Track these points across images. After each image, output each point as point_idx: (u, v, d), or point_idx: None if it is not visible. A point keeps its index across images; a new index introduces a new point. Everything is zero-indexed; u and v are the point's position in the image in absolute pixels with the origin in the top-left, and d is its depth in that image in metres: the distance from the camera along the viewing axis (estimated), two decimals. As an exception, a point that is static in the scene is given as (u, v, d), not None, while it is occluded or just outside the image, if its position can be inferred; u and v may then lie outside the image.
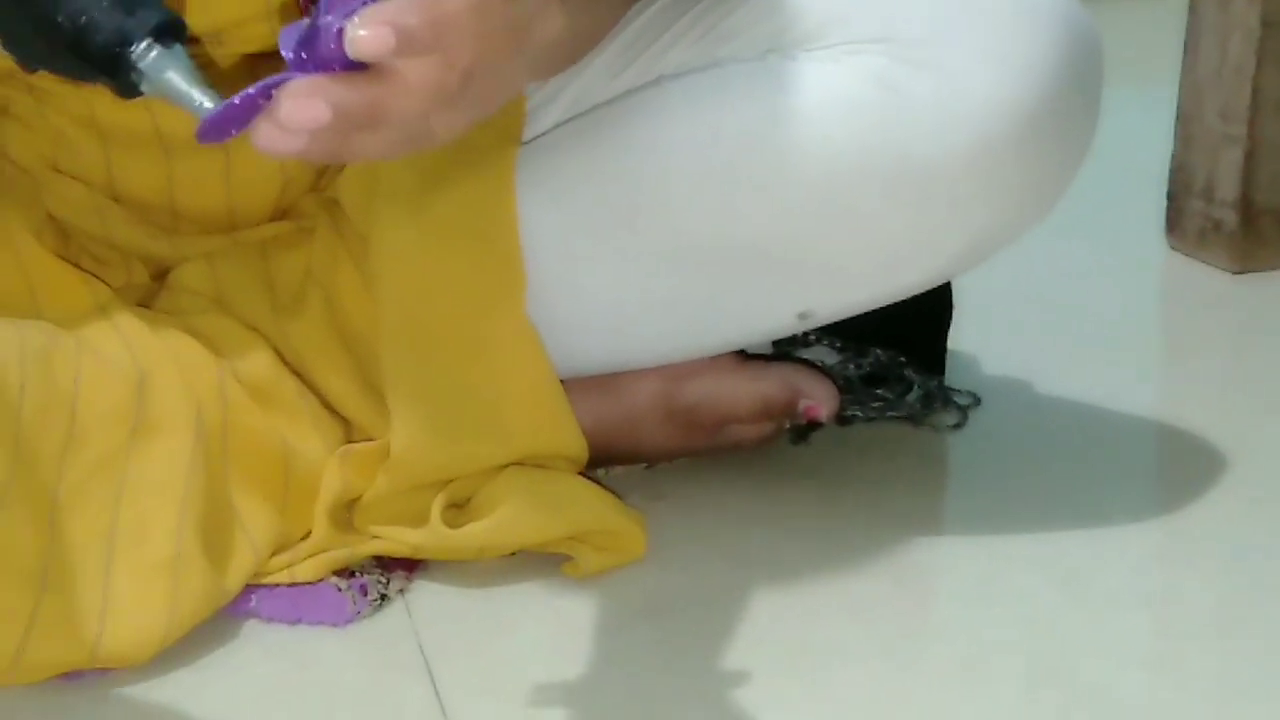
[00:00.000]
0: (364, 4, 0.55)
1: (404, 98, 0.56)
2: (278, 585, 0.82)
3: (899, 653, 0.79)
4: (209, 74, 0.81)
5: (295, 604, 0.81)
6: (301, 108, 0.54)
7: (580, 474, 0.88)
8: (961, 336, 1.06)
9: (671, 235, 0.84)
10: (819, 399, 0.93)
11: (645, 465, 0.96)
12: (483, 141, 0.84)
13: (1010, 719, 0.73)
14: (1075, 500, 0.93)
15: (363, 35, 0.54)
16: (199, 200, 0.87)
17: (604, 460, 0.93)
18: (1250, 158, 1.27)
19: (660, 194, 0.83)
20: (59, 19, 0.61)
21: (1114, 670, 0.76)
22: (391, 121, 0.57)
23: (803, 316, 0.86)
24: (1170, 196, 1.34)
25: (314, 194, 0.91)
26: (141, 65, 0.59)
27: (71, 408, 0.77)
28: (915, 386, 1.03)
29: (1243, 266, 1.29)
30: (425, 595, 0.84)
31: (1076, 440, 1.01)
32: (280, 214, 0.90)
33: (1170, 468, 1.00)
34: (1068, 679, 0.75)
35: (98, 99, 0.83)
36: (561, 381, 0.87)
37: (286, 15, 0.81)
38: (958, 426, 1.02)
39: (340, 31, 0.54)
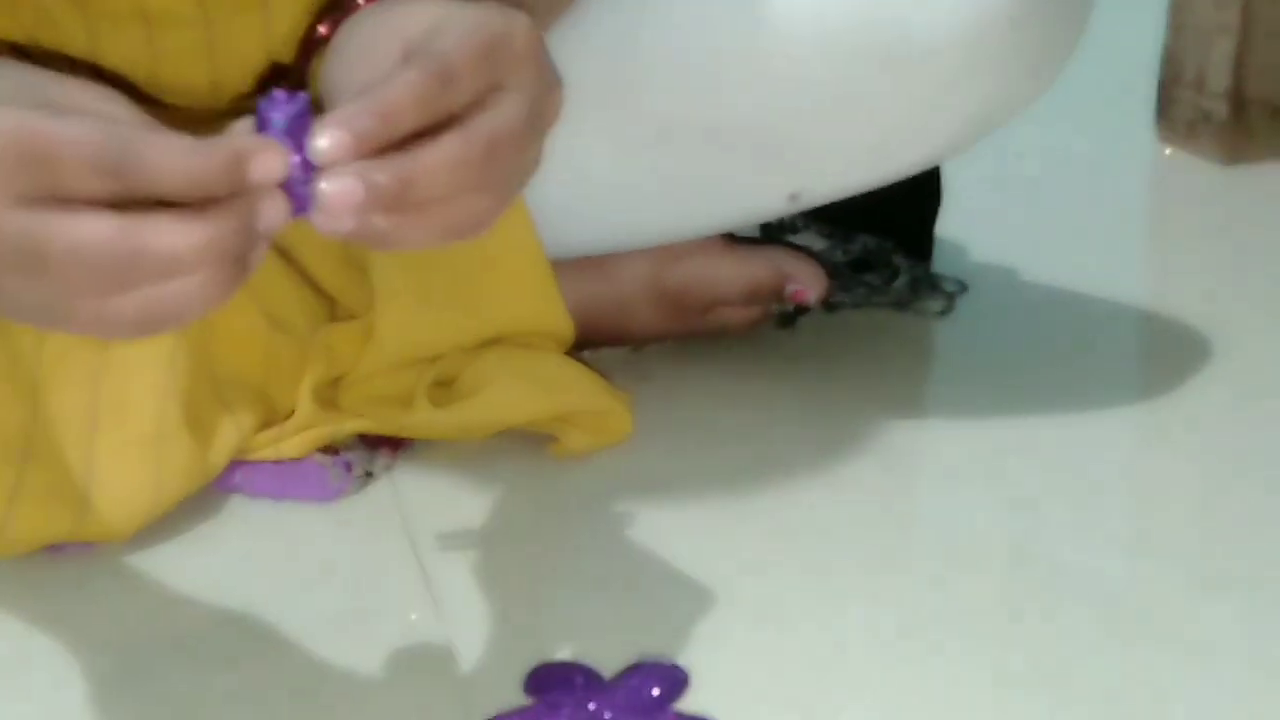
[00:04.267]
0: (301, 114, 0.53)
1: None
2: (262, 462, 0.81)
3: (883, 534, 0.79)
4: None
5: (280, 480, 0.81)
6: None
7: (566, 355, 0.88)
8: (949, 223, 1.06)
9: (661, 114, 0.83)
10: (807, 283, 0.92)
11: (632, 347, 0.96)
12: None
13: (992, 600, 0.73)
14: (1061, 386, 0.93)
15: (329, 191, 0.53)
16: (183, 75, 0.86)
17: (590, 341, 0.92)
18: (1242, 48, 1.26)
19: (650, 72, 0.82)
20: None
21: (1096, 553, 0.77)
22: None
23: (793, 198, 0.85)
24: (1161, 86, 1.33)
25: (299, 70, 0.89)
26: None
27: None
28: (903, 273, 1.02)
29: (1232, 158, 1.28)
30: (410, 474, 0.83)
31: (1063, 327, 1.01)
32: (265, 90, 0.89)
33: (1156, 356, 1.00)
34: (1050, 562, 0.76)
35: (77, -31, 0.82)
36: (550, 262, 0.86)
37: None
38: (944, 313, 1.02)
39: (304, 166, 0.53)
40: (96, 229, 0.51)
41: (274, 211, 0.52)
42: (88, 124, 0.52)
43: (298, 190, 0.53)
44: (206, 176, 0.51)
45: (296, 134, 0.53)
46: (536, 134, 0.59)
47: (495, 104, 0.57)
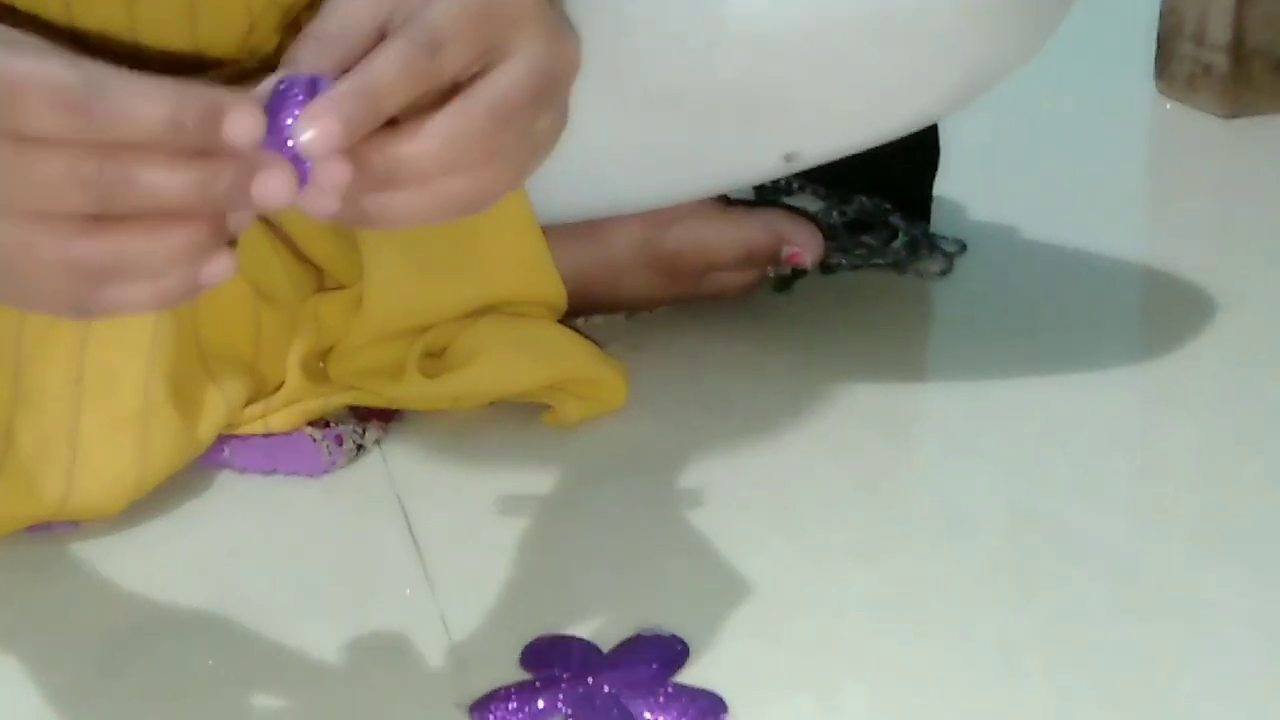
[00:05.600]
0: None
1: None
2: (251, 436, 0.80)
3: (882, 499, 0.78)
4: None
5: (269, 455, 0.80)
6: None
7: (559, 323, 0.87)
8: (948, 182, 1.05)
9: (654, 77, 0.82)
10: (803, 245, 0.91)
11: (626, 314, 0.95)
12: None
13: (993, 563, 0.72)
14: (1061, 346, 0.92)
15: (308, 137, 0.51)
16: (164, 41, 0.84)
17: (584, 309, 0.91)
18: (1242, 0, 1.24)
19: (643, 36, 0.81)
20: None
21: (1097, 516, 0.76)
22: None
23: (789, 159, 0.84)
24: (1160, 40, 1.32)
25: (284, 32, 0.88)
26: None
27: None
28: (900, 233, 1.01)
29: (1232, 111, 1.27)
30: (402, 446, 0.82)
31: (1063, 287, 1.00)
32: (249, 53, 0.87)
33: (1157, 314, 0.99)
34: (1050, 524, 0.75)
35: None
36: (541, 228, 0.85)
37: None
38: (943, 273, 1.01)
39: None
40: (76, 159, 0.48)
41: (276, 183, 0.49)
42: (55, 61, 0.49)
43: (301, 167, 0.51)
44: (181, 122, 0.48)
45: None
46: (549, 96, 0.57)
47: (495, 71, 0.55)
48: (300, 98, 0.51)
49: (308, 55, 0.54)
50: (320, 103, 0.51)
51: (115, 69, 0.50)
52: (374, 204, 0.53)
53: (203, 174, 0.49)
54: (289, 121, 0.51)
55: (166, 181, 0.48)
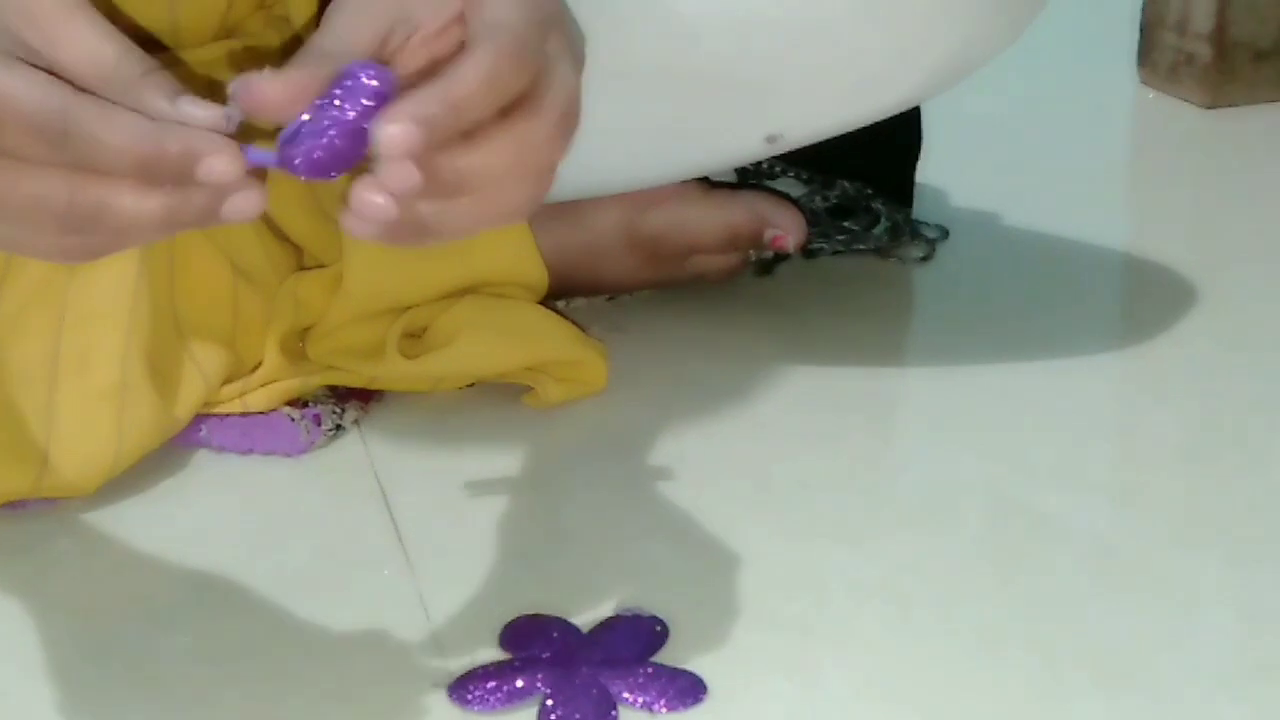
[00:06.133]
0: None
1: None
2: (229, 415, 0.80)
3: (863, 483, 0.78)
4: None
5: (247, 434, 0.79)
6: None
7: (540, 304, 0.86)
8: (930, 169, 1.05)
9: (636, 57, 0.81)
10: (786, 228, 0.91)
11: (607, 297, 0.94)
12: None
13: (974, 548, 0.72)
14: (1042, 333, 0.92)
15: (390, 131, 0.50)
16: (141, 18, 0.84)
17: (564, 291, 0.91)
18: (1225, -10, 1.25)
19: (625, 14, 0.80)
20: None
21: (1078, 500, 0.76)
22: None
23: (771, 140, 0.84)
24: (1143, 29, 1.32)
25: (262, 12, 0.87)
26: None
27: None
28: (883, 218, 1.01)
29: (1214, 101, 1.27)
30: (381, 426, 0.82)
31: (1045, 273, 1.01)
32: (227, 33, 0.86)
33: (1137, 302, 0.99)
34: (1031, 509, 0.75)
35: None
36: (521, 208, 0.84)
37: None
38: (925, 259, 1.01)
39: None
40: (51, 187, 0.50)
41: (246, 202, 0.51)
42: (38, 86, 0.50)
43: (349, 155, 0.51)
44: (154, 165, 0.49)
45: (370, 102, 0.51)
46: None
47: (553, 79, 0.55)
48: (366, 87, 0.51)
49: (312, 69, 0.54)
50: (403, 105, 0.50)
51: (96, 98, 0.50)
52: (432, 212, 0.52)
53: (172, 200, 0.50)
54: (349, 107, 0.51)
55: (137, 207, 0.50)
